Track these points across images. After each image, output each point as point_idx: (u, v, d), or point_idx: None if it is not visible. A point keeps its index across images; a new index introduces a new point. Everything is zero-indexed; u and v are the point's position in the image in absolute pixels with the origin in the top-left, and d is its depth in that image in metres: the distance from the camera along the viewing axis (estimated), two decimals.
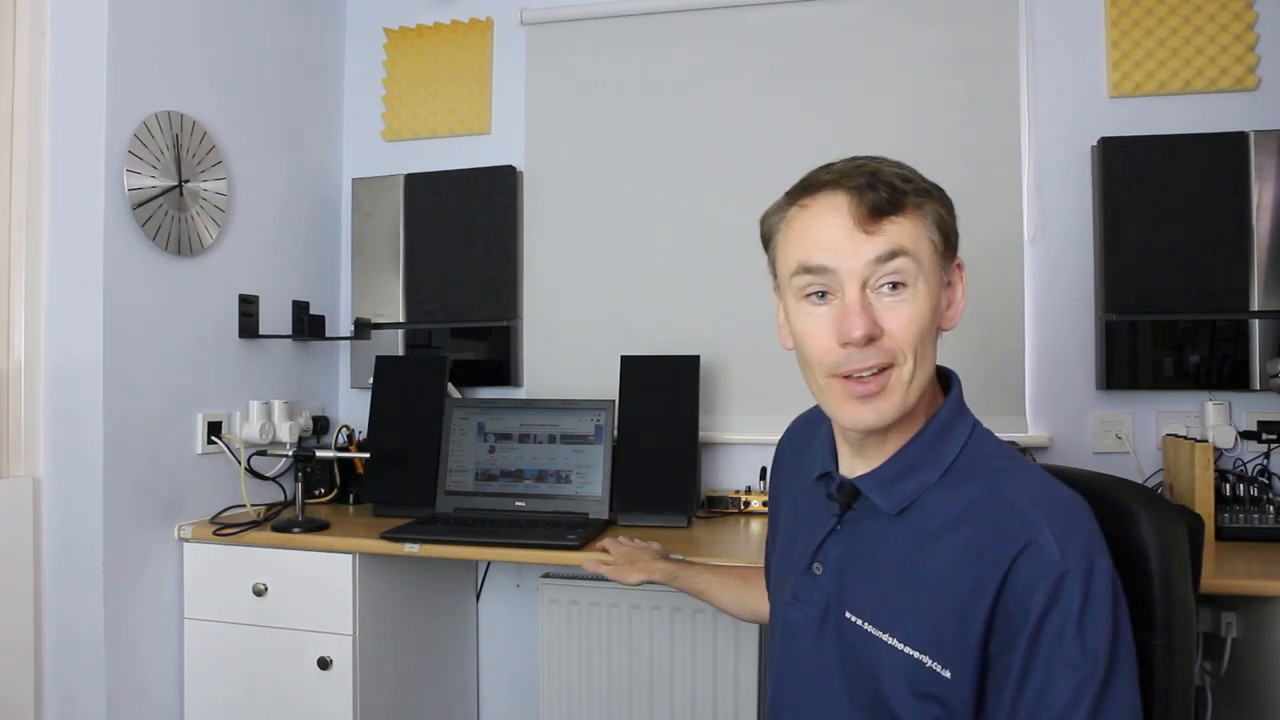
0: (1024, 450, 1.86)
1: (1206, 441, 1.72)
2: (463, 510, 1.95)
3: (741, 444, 2.12)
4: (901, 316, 0.78)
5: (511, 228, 2.27)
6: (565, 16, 2.27)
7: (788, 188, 0.87)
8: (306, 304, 2.22)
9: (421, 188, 2.31)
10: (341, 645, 1.73)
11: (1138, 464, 1.91)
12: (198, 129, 1.88)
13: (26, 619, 1.63)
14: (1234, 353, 1.82)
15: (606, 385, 2.08)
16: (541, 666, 2.03)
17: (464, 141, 2.36)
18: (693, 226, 2.16)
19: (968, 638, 0.75)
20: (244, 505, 1.93)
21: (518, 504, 1.95)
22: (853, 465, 0.89)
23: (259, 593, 1.76)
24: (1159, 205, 1.84)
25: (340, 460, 2.17)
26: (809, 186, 0.83)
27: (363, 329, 2.24)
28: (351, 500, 2.18)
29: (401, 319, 2.33)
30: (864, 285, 0.78)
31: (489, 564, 2.27)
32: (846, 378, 0.80)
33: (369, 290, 2.35)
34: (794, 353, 0.87)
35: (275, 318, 2.13)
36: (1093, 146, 1.95)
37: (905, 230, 0.78)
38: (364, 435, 2.16)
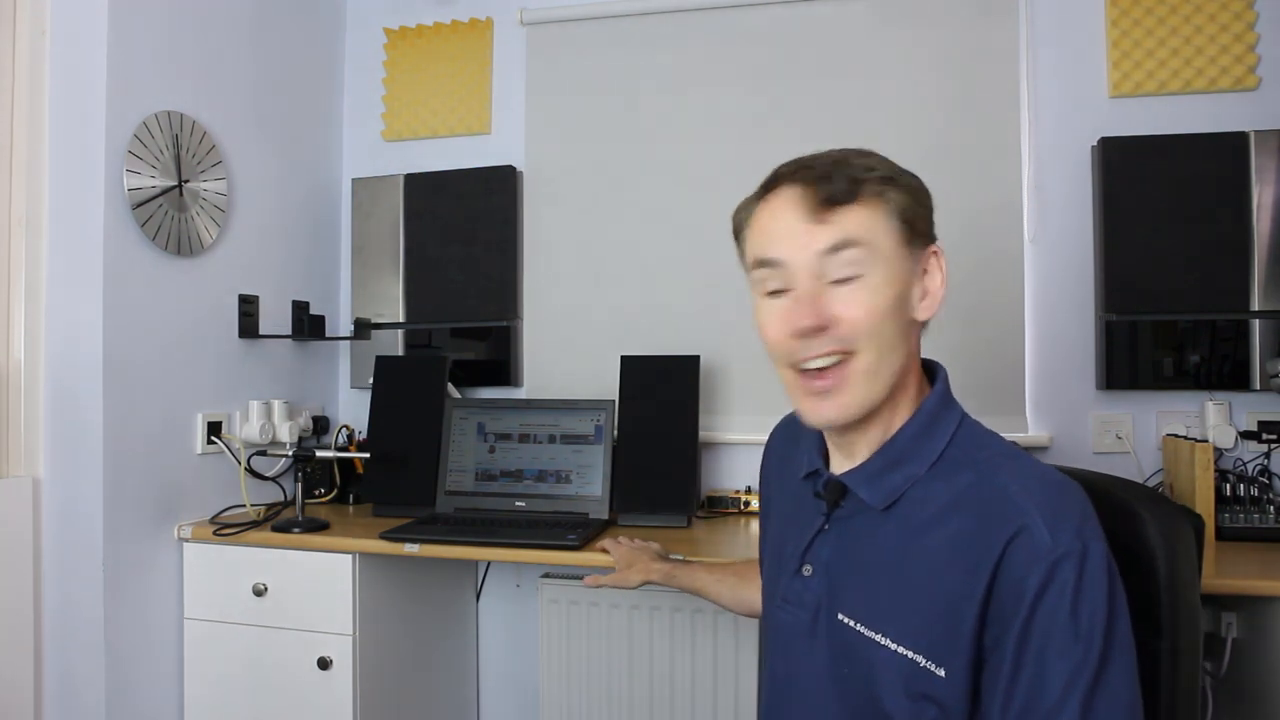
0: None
1: (1207, 441, 1.72)
2: (463, 510, 1.95)
3: (741, 444, 2.11)
4: (855, 305, 0.77)
5: (511, 228, 2.26)
6: (565, 16, 2.27)
7: None
8: (306, 304, 2.22)
9: (421, 188, 2.31)
10: (341, 645, 1.73)
11: (1138, 464, 1.91)
12: (197, 129, 1.88)
13: (26, 619, 1.63)
14: (1234, 353, 1.82)
15: (606, 385, 2.08)
16: (541, 666, 2.03)
17: (464, 141, 2.36)
18: (693, 226, 2.16)
19: (961, 632, 0.73)
20: (244, 505, 1.93)
21: (518, 504, 1.94)
22: (840, 463, 0.88)
23: (259, 593, 1.76)
24: (1159, 205, 1.84)
25: (340, 460, 2.17)
26: (773, 180, 0.84)
27: (363, 329, 2.24)
28: (351, 500, 2.18)
29: (401, 319, 2.33)
30: (815, 276, 0.78)
31: (489, 564, 2.27)
32: (804, 372, 0.80)
33: (369, 290, 2.35)
34: None
35: (275, 318, 2.13)
36: (1093, 146, 1.95)
37: (860, 219, 0.78)
38: (364, 435, 2.16)
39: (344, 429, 2.25)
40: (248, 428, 1.98)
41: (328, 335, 2.28)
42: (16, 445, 1.66)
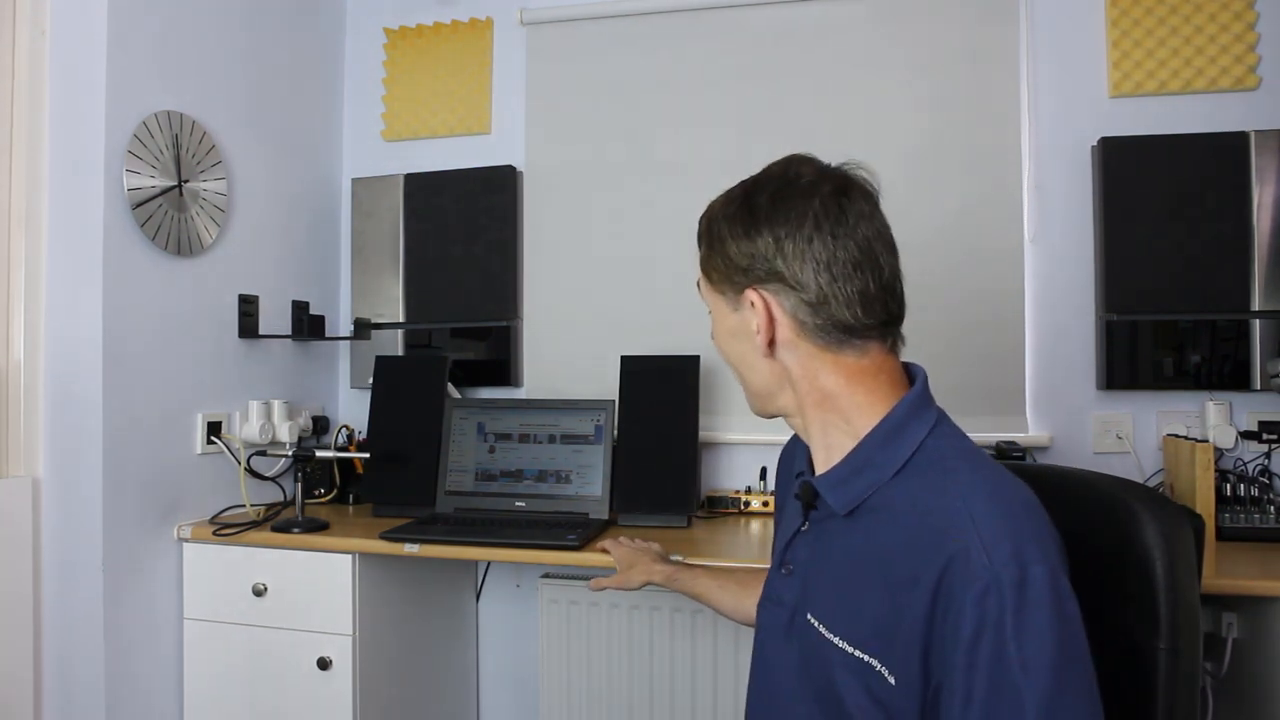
0: (1024, 451, 1.85)
1: (1207, 441, 1.71)
2: (463, 510, 1.95)
3: (741, 444, 2.11)
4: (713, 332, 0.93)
5: (511, 228, 2.26)
6: (565, 16, 2.27)
7: None
8: (306, 304, 2.22)
9: (421, 188, 2.31)
10: (341, 645, 1.73)
11: (1138, 464, 1.91)
12: (197, 129, 1.88)
13: (26, 619, 1.63)
14: (1235, 353, 1.82)
15: (606, 385, 2.08)
16: (541, 666, 2.03)
17: (464, 141, 2.36)
18: (693, 226, 2.14)
19: (909, 647, 0.72)
20: (244, 505, 1.92)
21: (518, 504, 1.94)
22: (819, 468, 0.89)
23: (259, 593, 1.76)
24: (1159, 205, 1.84)
25: (340, 460, 2.17)
26: None
27: (362, 329, 2.24)
28: (351, 500, 2.18)
29: (401, 319, 2.33)
30: None
31: (489, 564, 2.27)
32: None
33: (369, 290, 2.35)
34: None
35: (275, 318, 2.13)
36: (1093, 146, 1.95)
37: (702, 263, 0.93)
38: (364, 435, 2.16)
39: (344, 429, 2.25)
40: (247, 428, 1.98)
41: (328, 335, 2.28)
42: (16, 445, 1.66)
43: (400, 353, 2.32)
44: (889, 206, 0.86)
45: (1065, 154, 1.98)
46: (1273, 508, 1.65)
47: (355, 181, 2.37)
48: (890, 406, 0.84)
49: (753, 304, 0.85)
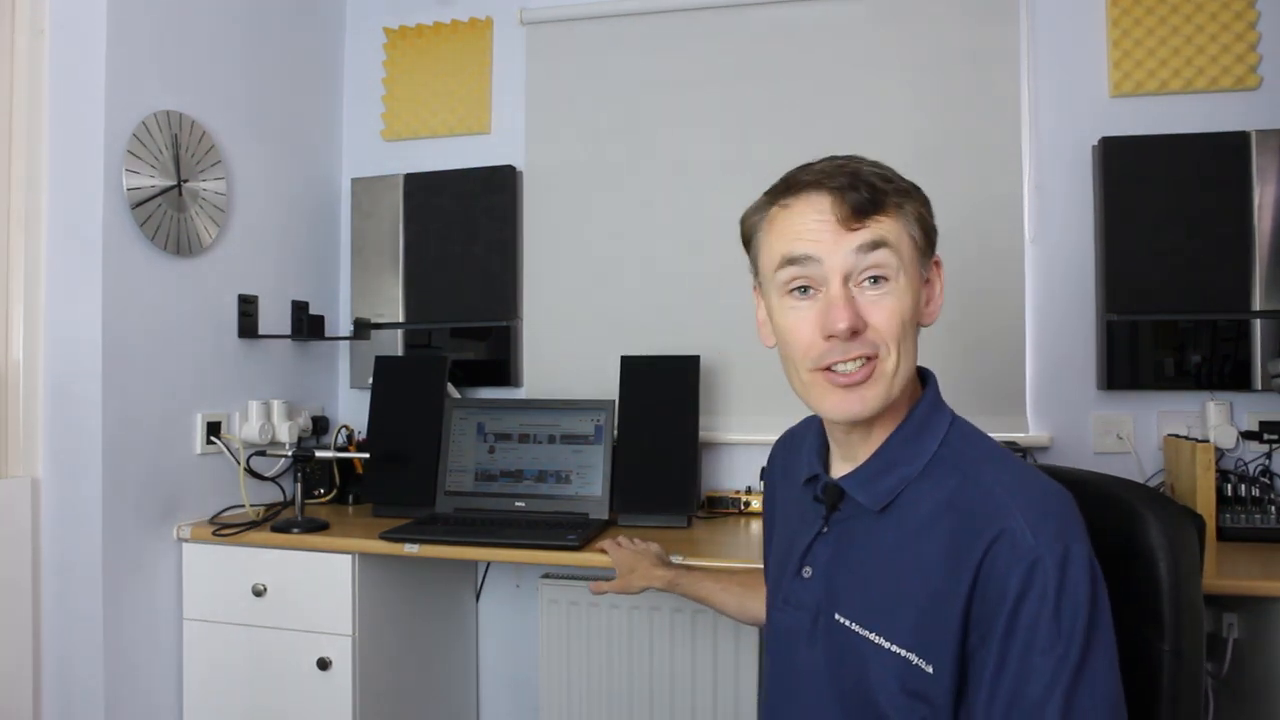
0: (1024, 451, 1.85)
1: (1208, 442, 1.71)
2: (462, 510, 1.94)
3: (741, 444, 2.11)
4: (884, 310, 0.79)
5: (511, 228, 2.26)
6: (565, 16, 2.27)
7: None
8: (306, 304, 2.22)
9: (421, 188, 2.31)
10: (341, 645, 1.73)
11: (1139, 464, 1.91)
12: (197, 128, 1.88)
13: (25, 619, 1.63)
14: (1235, 353, 1.82)
15: (606, 385, 2.08)
16: (541, 666, 2.03)
17: (464, 141, 2.36)
18: (693, 226, 2.16)
19: (947, 632, 0.74)
20: (243, 505, 1.92)
21: (518, 504, 1.94)
22: (840, 467, 0.91)
23: (258, 593, 1.76)
24: (1160, 205, 1.84)
25: (340, 460, 2.17)
26: (791, 186, 0.84)
27: (362, 329, 2.23)
28: (351, 500, 2.17)
29: (401, 319, 2.32)
30: (846, 278, 0.80)
31: (489, 564, 2.27)
32: (829, 370, 0.81)
33: (368, 290, 2.34)
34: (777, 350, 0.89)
35: (274, 318, 2.13)
36: (1094, 146, 1.95)
37: (886, 226, 0.80)
38: (363, 435, 2.16)
39: (344, 429, 2.24)
40: (247, 428, 1.98)
41: (327, 335, 2.27)
42: (15, 445, 1.66)
43: (400, 353, 2.31)
44: None
45: (1065, 154, 1.98)
46: (1273, 508, 1.65)
47: (355, 181, 2.37)
48: (908, 405, 0.86)
49: (937, 264, 0.86)
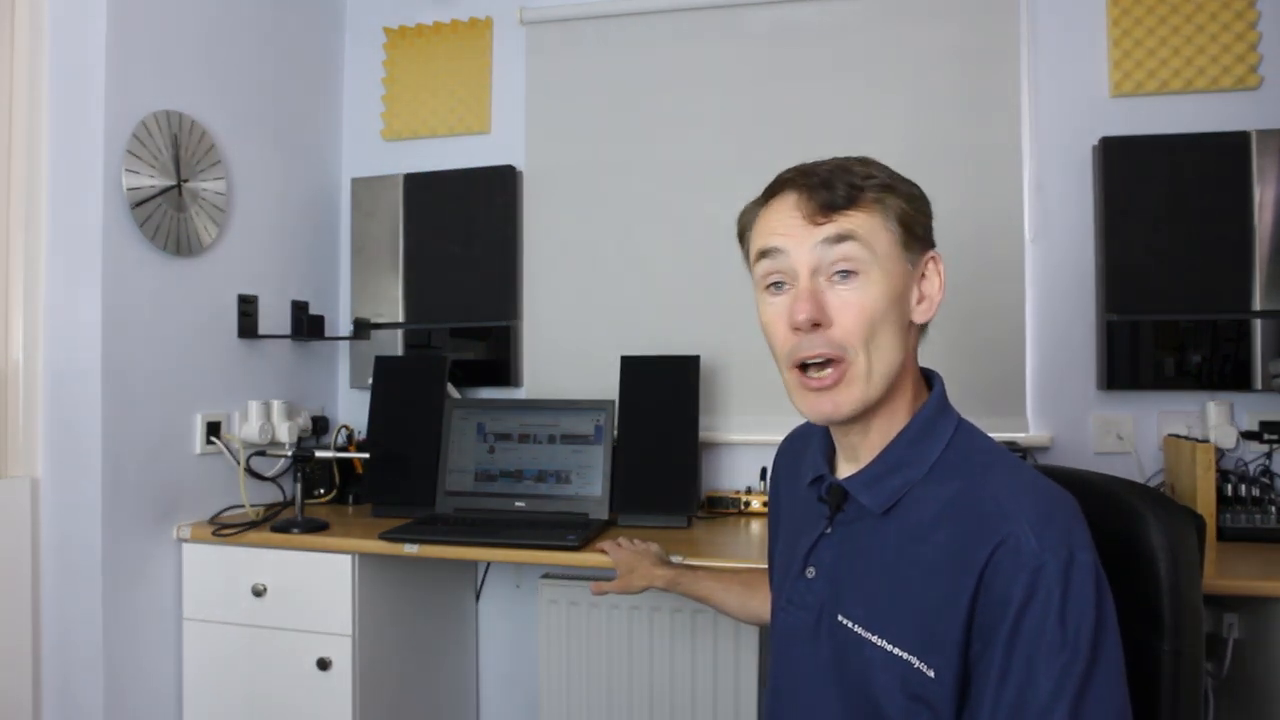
0: (1024, 451, 1.85)
1: (1208, 442, 1.71)
2: (462, 510, 1.94)
3: (741, 444, 2.11)
4: (850, 307, 0.79)
5: (511, 228, 2.26)
6: (565, 16, 2.27)
7: None
8: (306, 304, 2.22)
9: (421, 187, 2.31)
10: (341, 646, 1.73)
11: (1139, 464, 1.91)
12: (196, 128, 1.88)
13: (25, 620, 1.63)
14: (1236, 353, 1.82)
15: (606, 385, 2.08)
16: (541, 666, 2.03)
17: (464, 141, 2.36)
18: (693, 226, 2.16)
19: (950, 637, 0.74)
20: (243, 506, 1.92)
21: (517, 504, 1.94)
22: (845, 469, 0.90)
23: (258, 593, 1.75)
24: (1160, 205, 1.84)
25: (340, 460, 2.17)
26: (772, 186, 0.87)
27: (362, 329, 2.23)
28: (351, 500, 2.17)
29: (401, 319, 2.32)
30: (814, 271, 0.81)
31: (489, 564, 2.27)
32: (804, 370, 0.82)
33: (368, 290, 2.34)
34: None
35: (274, 318, 2.13)
36: (1094, 146, 1.94)
37: (858, 221, 0.80)
38: (363, 435, 2.16)
39: (343, 429, 2.24)
40: (247, 428, 1.98)
41: (327, 335, 2.27)
42: (15, 445, 1.66)
43: (400, 353, 2.31)
44: None
45: (1065, 154, 1.98)
46: (1274, 508, 1.65)
47: (355, 181, 2.37)
48: (914, 407, 0.86)
49: (934, 260, 0.85)
